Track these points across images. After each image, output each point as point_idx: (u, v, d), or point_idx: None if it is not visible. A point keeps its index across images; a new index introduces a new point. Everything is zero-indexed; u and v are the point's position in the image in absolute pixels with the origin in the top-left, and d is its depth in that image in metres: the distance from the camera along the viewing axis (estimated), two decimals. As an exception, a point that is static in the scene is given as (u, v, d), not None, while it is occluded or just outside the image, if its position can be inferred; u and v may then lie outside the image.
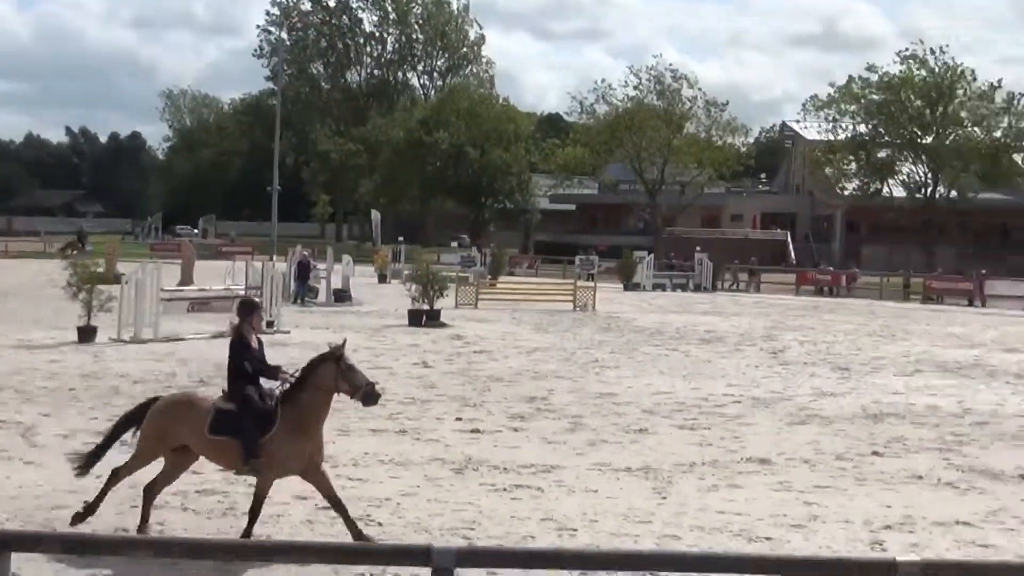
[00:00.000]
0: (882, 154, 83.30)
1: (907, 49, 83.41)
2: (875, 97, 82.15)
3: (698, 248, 68.05)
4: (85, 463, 12.10)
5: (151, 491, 11.91)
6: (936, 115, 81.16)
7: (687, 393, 22.88)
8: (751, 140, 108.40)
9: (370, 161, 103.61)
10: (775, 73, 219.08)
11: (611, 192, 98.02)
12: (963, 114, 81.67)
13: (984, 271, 63.40)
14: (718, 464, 16.15)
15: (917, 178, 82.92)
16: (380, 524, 12.52)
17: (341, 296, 44.05)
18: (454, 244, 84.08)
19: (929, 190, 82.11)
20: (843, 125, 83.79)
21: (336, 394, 11.61)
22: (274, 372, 11.83)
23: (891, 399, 22.90)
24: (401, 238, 73.83)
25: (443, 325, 35.24)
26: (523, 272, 74.13)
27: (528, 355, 28.75)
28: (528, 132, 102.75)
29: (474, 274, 54.99)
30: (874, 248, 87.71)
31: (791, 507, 13.79)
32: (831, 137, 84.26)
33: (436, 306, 36.76)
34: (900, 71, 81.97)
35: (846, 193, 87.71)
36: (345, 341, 12.00)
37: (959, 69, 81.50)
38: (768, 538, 12.52)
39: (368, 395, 11.53)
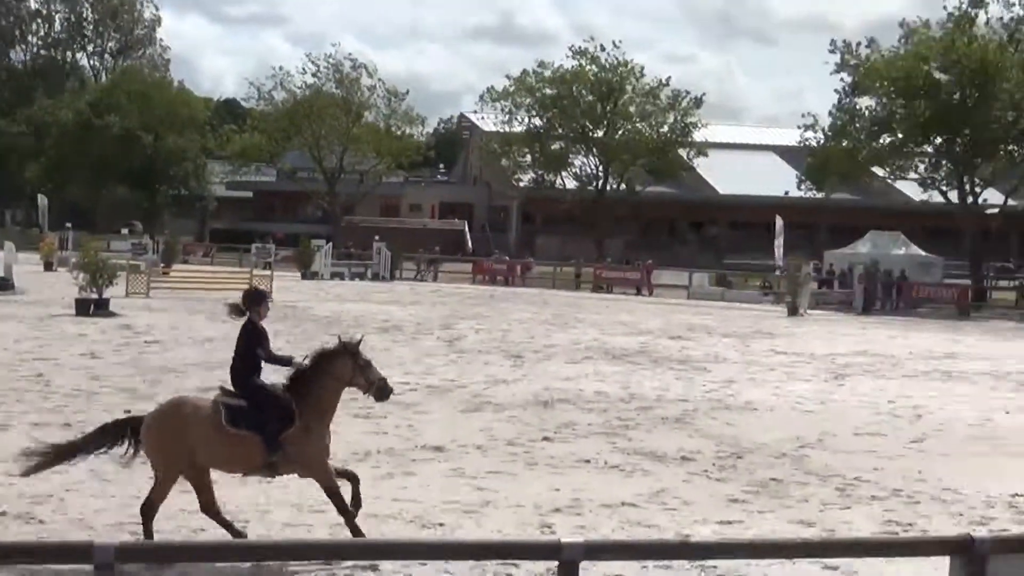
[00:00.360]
0: (556, 147, 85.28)
1: (580, 45, 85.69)
2: (548, 91, 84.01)
3: (377, 237, 68.18)
4: (34, 468, 11.52)
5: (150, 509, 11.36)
6: (607, 110, 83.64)
7: (363, 382, 22.83)
8: (430, 130, 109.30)
9: (37, 144, 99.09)
10: (454, 64, 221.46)
11: (289, 180, 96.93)
12: (632, 109, 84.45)
13: (651, 261, 65.94)
14: (393, 452, 16.19)
15: (589, 170, 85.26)
16: (42, 522, 12.03)
17: (3, 284, 42.09)
18: (125, 231, 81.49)
19: (600, 182, 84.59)
20: (519, 118, 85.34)
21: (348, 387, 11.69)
22: (287, 361, 11.73)
23: (561, 385, 23.48)
24: (69, 224, 70.99)
25: (112, 315, 34.09)
26: (198, 260, 72.61)
27: (201, 345, 28.12)
28: (204, 117, 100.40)
29: (146, 262, 53.40)
30: (548, 238, 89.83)
31: (464, 493, 13.94)
32: (507, 129, 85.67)
33: (105, 295, 35.55)
34: (572, 66, 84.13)
35: (521, 184, 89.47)
36: (362, 337, 11.99)
37: (629, 66, 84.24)
38: (441, 524, 12.61)
39: (381, 390, 11.73)
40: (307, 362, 11.57)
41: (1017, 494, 15.01)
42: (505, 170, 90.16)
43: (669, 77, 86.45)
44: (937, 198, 66.39)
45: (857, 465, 16.50)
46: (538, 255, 79.76)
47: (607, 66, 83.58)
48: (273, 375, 11.90)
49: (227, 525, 11.44)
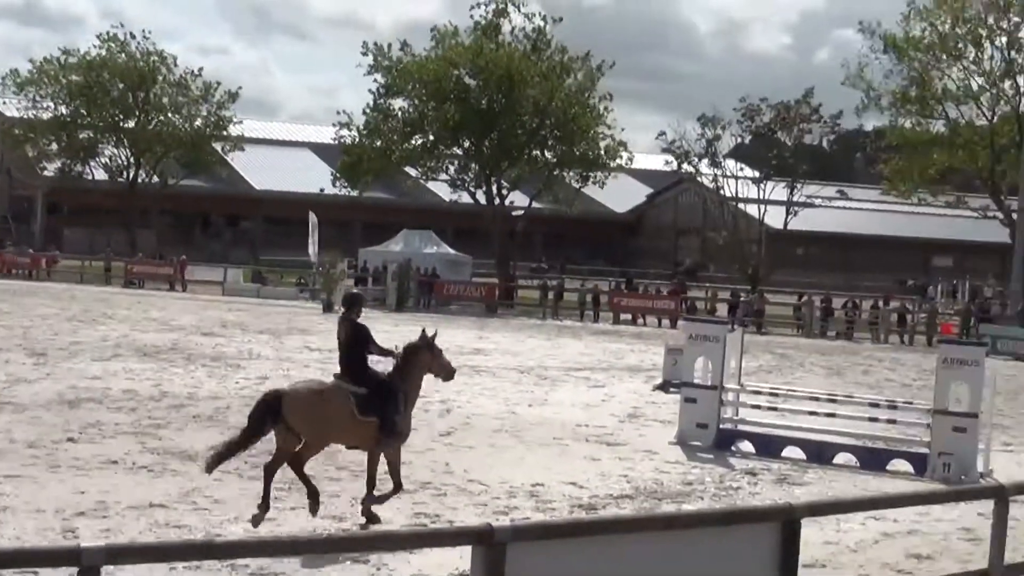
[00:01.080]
0: (84, 136, 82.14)
1: (109, 31, 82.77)
2: (76, 78, 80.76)
3: None
4: (213, 463, 12.88)
5: (271, 472, 13.00)
6: (139, 100, 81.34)
7: None
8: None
9: None
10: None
11: None
12: (165, 100, 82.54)
13: (184, 256, 64.76)
14: (-101, 458, 15.09)
15: (120, 162, 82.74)
16: None
17: None
18: None
19: (132, 174, 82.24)
20: (44, 104, 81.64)
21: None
22: (389, 352, 13.57)
23: (88, 384, 22.70)
24: None
25: None
26: None
27: None
28: None
29: None
30: (76, 231, 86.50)
31: (-21, 500, 13.19)
32: (32, 115, 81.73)
33: None
34: (101, 53, 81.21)
35: (47, 174, 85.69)
36: (436, 332, 13.86)
37: (162, 55, 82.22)
38: (-49, 534, 11.87)
39: (449, 373, 14.07)
40: (400, 356, 13.54)
41: (538, 483, 15.73)
42: (29, 158, 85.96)
43: (201, 68, 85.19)
44: (466, 199, 68.69)
45: (387, 459, 16.79)
46: (66, 248, 76.70)
47: (138, 55, 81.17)
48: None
49: (310, 484, 13.11)
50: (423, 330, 13.83)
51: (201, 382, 24.12)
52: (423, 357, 13.63)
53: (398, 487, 13.50)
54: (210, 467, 12.91)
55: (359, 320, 13.64)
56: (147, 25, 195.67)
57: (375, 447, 13.37)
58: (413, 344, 13.64)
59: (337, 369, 13.48)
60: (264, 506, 12.79)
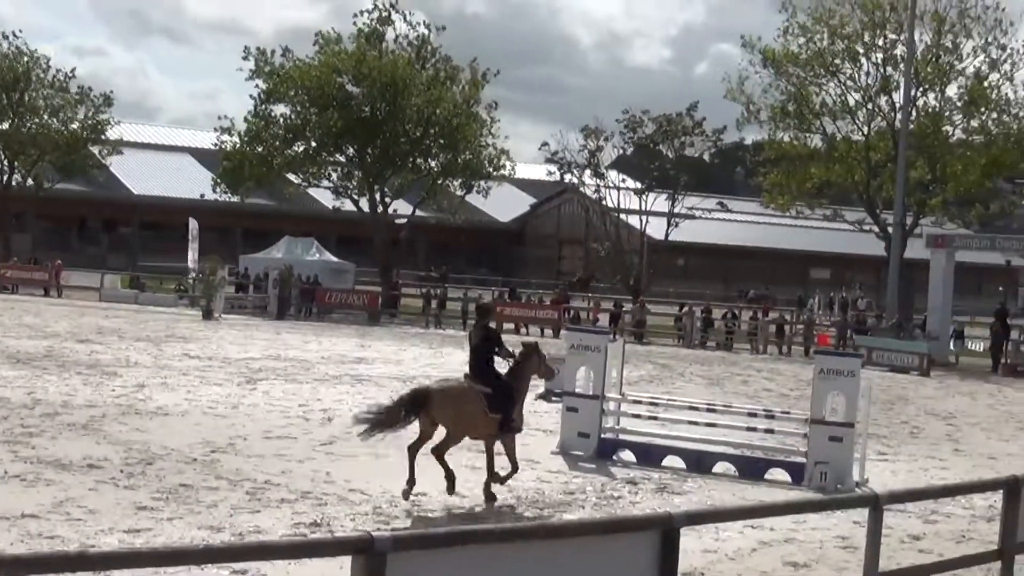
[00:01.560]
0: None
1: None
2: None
3: None
4: (368, 433, 15.18)
5: (414, 451, 15.18)
6: (13, 101, 79.64)
7: None
8: None
9: None
10: None
11: None
12: (40, 103, 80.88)
13: (60, 261, 63.57)
14: None
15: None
16: None
17: None
18: None
19: (6, 177, 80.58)
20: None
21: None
22: (511, 354, 15.82)
23: (-42, 391, 22.12)
24: None
25: None
26: None
27: None
28: None
29: None
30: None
31: None
32: None
33: None
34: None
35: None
36: (536, 341, 17.06)
37: (34, 55, 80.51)
38: None
39: (552, 375, 17.19)
40: (512, 360, 15.80)
41: (419, 493, 15.65)
42: None
43: (74, 69, 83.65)
44: (350, 206, 68.31)
45: (267, 469, 16.65)
46: (-65, 252, 74.88)
47: (10, 55, 79.36)
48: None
49: (448, 468, 15.22)
50: (522, 343, 16.58)
51: (76, 390, 23.65)
52: (533, 361, 16.01)
53: (515, 468, 15.79)
54: (364, 436, 15.21)
55: (491, 326, 16.22)
56: (19, 25, 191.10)
57: (493, 439, 15.52)
58: (525, 351, 16.04)
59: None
60: (411, 481, 14.85)
